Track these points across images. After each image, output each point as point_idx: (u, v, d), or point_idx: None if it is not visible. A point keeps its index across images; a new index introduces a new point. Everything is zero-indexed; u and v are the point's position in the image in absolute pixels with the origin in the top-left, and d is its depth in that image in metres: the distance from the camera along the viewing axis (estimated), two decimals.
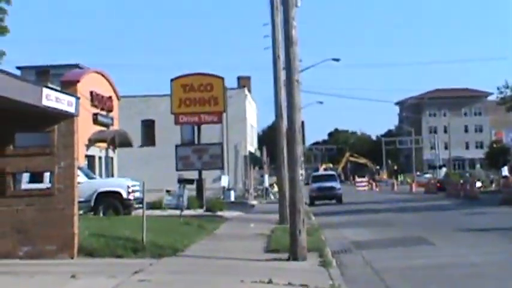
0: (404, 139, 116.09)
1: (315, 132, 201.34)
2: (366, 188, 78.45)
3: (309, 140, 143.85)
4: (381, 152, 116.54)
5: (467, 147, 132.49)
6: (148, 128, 53.56)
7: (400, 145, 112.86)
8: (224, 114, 39.29)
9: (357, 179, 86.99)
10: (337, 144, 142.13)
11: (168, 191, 24.15)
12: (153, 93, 53.79)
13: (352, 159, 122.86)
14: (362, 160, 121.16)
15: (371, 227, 22.19)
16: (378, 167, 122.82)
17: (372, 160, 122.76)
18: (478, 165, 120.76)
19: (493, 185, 58.65)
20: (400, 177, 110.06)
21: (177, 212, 24.18)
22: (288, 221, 14.44)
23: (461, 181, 49.21)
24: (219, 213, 29.80)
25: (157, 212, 27.45)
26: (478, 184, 44.28)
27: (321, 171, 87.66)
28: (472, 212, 27.73)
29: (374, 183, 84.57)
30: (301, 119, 13.86)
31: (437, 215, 27.96)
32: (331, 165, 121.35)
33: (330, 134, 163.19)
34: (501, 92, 60.38)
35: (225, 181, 46.13)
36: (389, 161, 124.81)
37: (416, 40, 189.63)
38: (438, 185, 59.19)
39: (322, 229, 21.03)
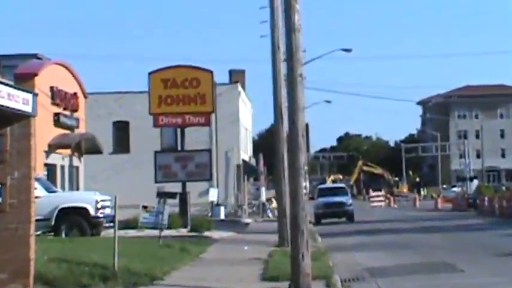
0: (428, 145, 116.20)
1: (322, 137, 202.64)
2: (383, 203, 78.51)
3: (315, 147, 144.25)
4: (400, 160, 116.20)
5: (503, 156, 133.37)
6: (121, 131, 53.55)
7: (423, 153, 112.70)
8: (213, 115, 39.25)
9: (372, 193, 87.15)
10: (348, 151, 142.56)
11: (145, 207, 24.09)
12: (127, 90, 53.82)
13: (365, 169, 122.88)
14: (378, 170, 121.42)
15: (388, 250, 22.19)
16: (396, 179, 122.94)
17: (389, 170, 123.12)
18: None
19: None
20: (423, 191, 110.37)
21: (156, 232, 24.14)
22: (289, 243, 14.40)
23: (497, 196, 49.36)
24: (207, 233, 29.79)
25: (132, 233, 27.40)
26: None
27: (329, 184, 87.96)
28: (509, 234, 27.78)
29: (392, 198, 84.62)
30: (305, 121, 13.84)
31: (467, 236, 28.01)
32: (340, 177, 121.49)
33: (339, 139, 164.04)
34: None
35: (213, 195, 46.12)
36: (411, 172, 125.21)
37: (441, 28, 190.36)
38: (469, 200, 59.45)
39: (329, 253, 21.03)
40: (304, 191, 13.65)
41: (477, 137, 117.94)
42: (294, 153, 13.51)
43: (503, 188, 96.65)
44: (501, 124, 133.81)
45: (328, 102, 78.65)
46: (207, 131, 49.38)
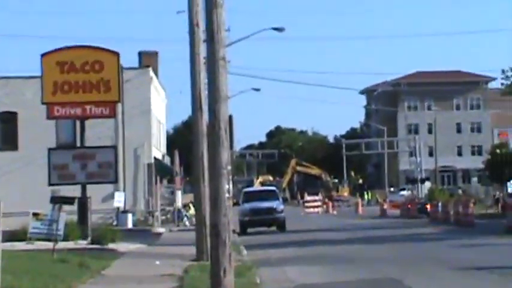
0: (373, 141, 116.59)
1: (249, 131, 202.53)
2: (320, 210, 78.50)
3: (240, 143, 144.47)
4: (340, 159, 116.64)
5: (460, 154, 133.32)
6: (7, 123, 52.64)
7: (367, 150, 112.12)
8: (119, 105, 38.90)
9: (307, 198, 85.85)
10: (280, 148, 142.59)
11: (35, 215, 23.70)
12: (15, 74, 52.99)
13: (300, 169, 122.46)
14: (314, 171, 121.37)
15: (325, 265, 22.34)
16: (336, 181, 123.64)
17: (328, 171, 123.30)
18: (474, 179, 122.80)
19: (494, 206, 60.11)
20: (367, 195, 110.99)
21: (49, 244, 23.79)
22: (209, 256, 14.34)
23: (452, 201, 50.02)
24: (111, 245, 29.57)
25: (19, 245, 26.93)
26: (472, 205, 44.45)
27: (257, 187, 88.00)
28: (465, 244, 28.34)
29: (331, 204, 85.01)
30: (229, 112, 13.80)
31: (417, 247, 28.49)
32: (270, 178, 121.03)
33: (269, 134, 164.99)
34: (507, 77, 60.65)
35: (119, 200, 45.73)
36: (353, 173, 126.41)
37: (388, 6, 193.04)
38: (420, 205, 60.29)
39: (256, 268, 21.04)
40: (227, 194, 13.62)
41: (430, 131, 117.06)
42: (215, 150, 13.46)
43: (460, 191, 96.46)
44: (457, 117, 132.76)
45: (257, 90, 77.84)
46: (112, 124, 48.94)
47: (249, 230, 43.62)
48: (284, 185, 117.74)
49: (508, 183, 64.30)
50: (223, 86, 13.62)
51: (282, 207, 44.75)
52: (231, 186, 15.40)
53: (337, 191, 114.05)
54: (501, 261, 21.38)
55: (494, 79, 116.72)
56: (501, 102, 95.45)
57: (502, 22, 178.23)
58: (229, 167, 13.61)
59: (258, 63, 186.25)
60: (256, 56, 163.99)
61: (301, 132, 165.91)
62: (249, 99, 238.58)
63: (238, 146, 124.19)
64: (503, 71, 60.62)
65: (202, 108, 23.55)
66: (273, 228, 43.94)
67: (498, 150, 64.76)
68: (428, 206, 57.26)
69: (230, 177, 14.20)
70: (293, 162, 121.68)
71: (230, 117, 14.26)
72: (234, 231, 33.83)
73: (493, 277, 17.89)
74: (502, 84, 62.56)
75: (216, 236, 13.36)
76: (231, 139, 12.52)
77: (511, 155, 63.30)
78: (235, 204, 53.32)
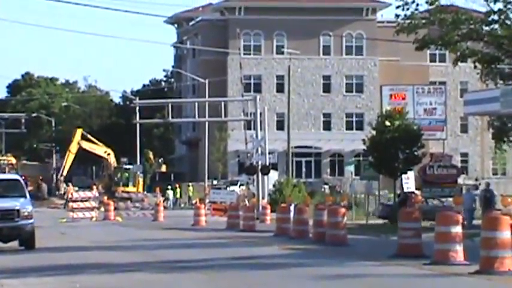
0: (186, 104, 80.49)
1: None
2: (95, 214, 53.45)
3: None
4: (131, 131, 77.59)
5: (327, 127, 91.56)
6: None
7: (175, 117, 69.30)
8: None
9: (75, 194, 56.43)
10: (30, 110, 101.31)
11: None
12: None
13: (86, 146, 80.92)
14: (100, 149, 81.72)
15: None
16: (129, 167, 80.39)
17: (113, 150, 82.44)
18: (350, 168, 70.83)
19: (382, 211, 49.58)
20: (174, 192, 75.51)
21: None
22: None
23: (314, 204, 34.26)
24: None
25: None
26: (344, 212, 29.66)
27: None
28: (326, 275, 19.65)
29: (112, 205, 56.15)
30: None
31: (252, 278, 19.65)
32: (12, 160, 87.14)
33: (12, 88, 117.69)
34: (406, 4, 37.67)
35: None
36: (151, 154, 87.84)
37: None
38: (261, 210, 45.18)
39: None
40: None
41: (280, 89, 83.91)
42: None
43: (326, 186, 75.30)
44: (325, 66, 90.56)
45: None
46: None
47: None
48: (65, 171, 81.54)
49: (403, 177, 46.35)
50: None
51: (30, 209, 28.43)
52: None
53: (125, 185, 76.49)
54: None
55: (387, 5, 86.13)
56: (396, 44, 66.80)
57: None
58: None
59: None
60: None
61: (67, 84, 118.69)
62: None
63: None
64: None
65: None
66: (14, 243, 28.49)
67: (388, 123, 43.65)
68: (268, 212, 44.06)
69: None
70: (79, 134, 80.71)
71: None
72: None
73: None
74: (397, 15, 38.75)
75: None
76: None
77: (410, 131, 44.71)
78: None
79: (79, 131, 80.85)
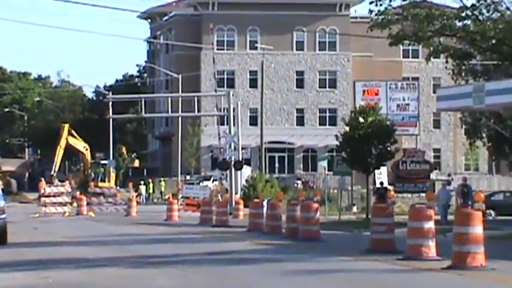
0: (159, 99, 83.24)
1: None
2: (67, 209, 54.44)
3: None
4: (104, 126, 78.66)
5: (300, 122, 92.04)
6: None
7: (148, 112, 76.04)
8: None
9: (48, 189, 56.17)
10: (3, 105, 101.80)
11: None
12: None
13: (71, 141, 79.12)
14: (81, 144, 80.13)
15: None
16: (105, 162, 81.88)
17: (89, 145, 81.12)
18: (323, 163, 66.88)
19: (355, 207, 53.05)
20: (147, 188, 77.97)
21: None
22: None
23: (287, 200, 34.86)
24: None
25: None
26: (316, 207, 29.69)
27: None
28: (299, 270, 19.74)
29: (85, 200, 57.38)
30: None
31: (225, 274, 19.76)
32: None
33: None
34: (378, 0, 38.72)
35: None
36: (124, 149, 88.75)
37: None
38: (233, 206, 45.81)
39: None
40: None
41: (253, 85, 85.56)
42: None
43: (299, 182, 75.97)
44: (298, 61, 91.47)
45: None
46: None
47: None
48: (57, 167, 79.22)
49: (376, 173, 48.72)
50: None
51: (1, 204, 28.65)
52: None
53: (102, 180, 76.39)
54: None
55: (361, 1, 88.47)
56: (369, 40, 65.26)
57: None
58: None
59: None
60: None
61: (40, 79, 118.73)
62: None
63: None
64: None
65: None
66: None
67: (361, 119, 44.63)
68: (241, 207, 45.15)
69: None
70: (66, 129, 78.24)
71: None
72: None
73: None
74: (370, 11, 39.43)
75: None
76: None
77: (382, 126, 45.32)
78: None
79: (66, 127, 79.63)
